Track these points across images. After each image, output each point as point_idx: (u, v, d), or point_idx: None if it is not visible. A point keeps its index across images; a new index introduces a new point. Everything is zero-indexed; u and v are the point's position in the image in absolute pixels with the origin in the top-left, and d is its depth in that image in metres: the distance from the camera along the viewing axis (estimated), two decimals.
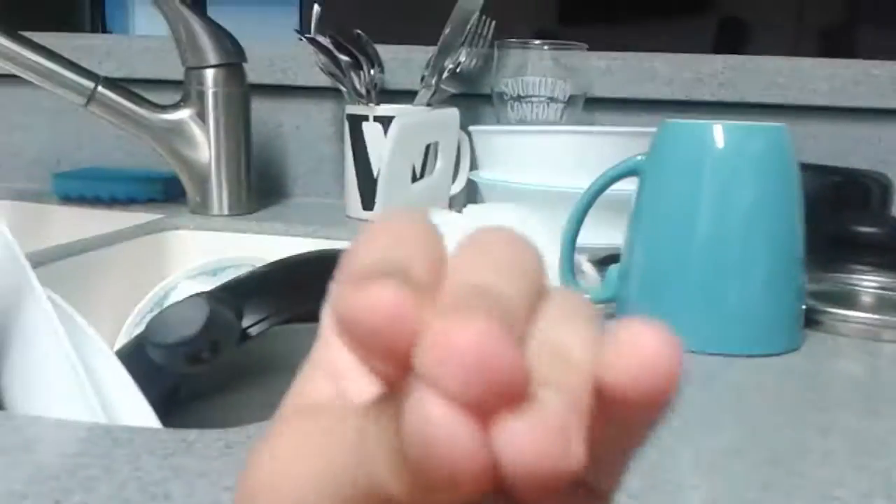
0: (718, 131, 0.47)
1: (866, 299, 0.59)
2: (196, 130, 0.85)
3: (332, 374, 0.18)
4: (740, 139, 0.47)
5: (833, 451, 0.33)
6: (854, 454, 0.33)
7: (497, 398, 0.13)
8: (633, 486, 0.29)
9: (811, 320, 0.52)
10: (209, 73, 0.86)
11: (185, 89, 0.86)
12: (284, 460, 0.17)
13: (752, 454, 0.33)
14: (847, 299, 0.57)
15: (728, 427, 0.35)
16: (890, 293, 0.59)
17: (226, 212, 0.87)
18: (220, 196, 0.86)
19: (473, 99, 0.97)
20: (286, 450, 0.17)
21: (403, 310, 0.13)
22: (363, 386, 0.17)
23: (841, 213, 0.66)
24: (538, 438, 0.13)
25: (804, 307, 0.50)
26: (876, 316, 0.53)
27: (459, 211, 0.59)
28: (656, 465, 0.31)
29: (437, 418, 0.13)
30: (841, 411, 0.38)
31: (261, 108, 1.02)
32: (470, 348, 0.13)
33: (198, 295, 0.45)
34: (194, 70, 0.86)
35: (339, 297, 0.14)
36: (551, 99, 0.87)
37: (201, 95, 0.85)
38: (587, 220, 0.53)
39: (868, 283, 0.60)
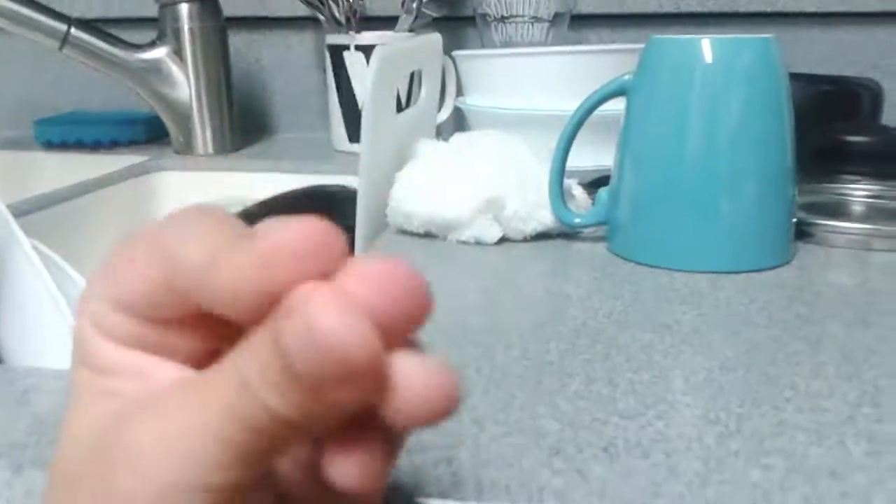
0: (706, 45, 0.46)
1: (857, 209, 0.59)
2: (174, 68, 0.83)
3: (112, 374, 0.20)
4: (728, 52, 0.46)
5: (823, 363, 0.34)
6: (843, 365, 0.33)
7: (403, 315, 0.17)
8: (626, 407, 0.30)
9: (802, 232, 0.52)
10: (184, 9, 0.83)
11: (160, 27, 0.84)
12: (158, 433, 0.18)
13: (742, 370, 0.33)
14: (838, 210, 0.57)
15: (719, 344, 0.36)
16: (881, 202, 0.59)
17: (210, 151, 0.86)
18: (203, 135, 0.85)
19: (456, 22, 0.95)
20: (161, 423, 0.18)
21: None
22: (140, 381, 0.19)
23: (831, 123, 0.65)
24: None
25: (794, 220, 0.49)
26: (867, 226, 0.53)
27: (447, 140, 0.58)
28: (648, 385, 0.32)
29: (334, 320, 0.16)
30: (831, 323, 0.38)
31: (239, 42, 0.99)
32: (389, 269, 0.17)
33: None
34: (168, 6, 0.84)
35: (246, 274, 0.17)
36: (535, 18, 0.85)
37: (177, 32, 0.83)
38: (576, 142, 0.53)
39: (859, 192, 0.60)
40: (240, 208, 0.63)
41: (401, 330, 0.17)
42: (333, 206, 0.64)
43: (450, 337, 0.37)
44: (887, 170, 0.59)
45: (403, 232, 0.55)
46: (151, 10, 0.87)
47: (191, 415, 0.17)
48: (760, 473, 0.25)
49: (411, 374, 0.17)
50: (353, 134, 0.86)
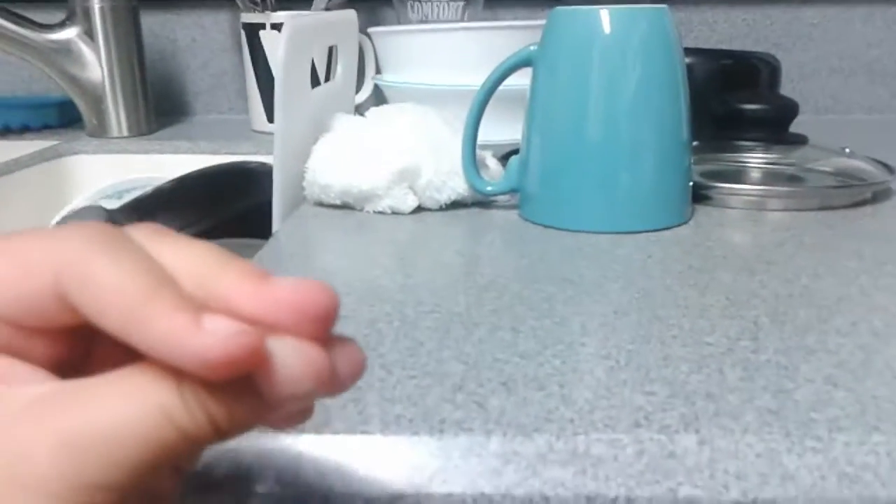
0: (604, 16, 0.48)
1: (754, 174, 0.62)
2: (85, 49, 0.82)
3: None
4: (625, 23, 0.48)
5: (709, 306, 0.36)
6: (727, 307, 0.36)
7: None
8: (527, 348, 0.32)
9: (702, 196, 0.55)
10: None
11: (70, 6, 0.83)
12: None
13: (635, 314, 0.35)
14: (736, 175, 0.60)
15: (615, 294, 0.38)
16: (774, 166, 0.62)
17: (125, 133, 0.84)
18: (117, 117, 0.84)
19: (373, 2, 0.96)
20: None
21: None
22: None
23: (731, 94, 0.69)
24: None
25: (692, 184, 0.52)
26: (759, 187, 0.56)
27: (362, 114, 0.59)
28: (549, 330, 0.34)
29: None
30: (719, 272, 0.41)
31: (152, 21, 0.98)
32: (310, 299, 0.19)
33: (95, 205, 0.45)
34: None
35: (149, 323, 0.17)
36: None
37: (87, 12, 0.82)
38: (492, 116, 0.54)
39: (756, 158, 0.64)
40: (155, 186, 0.63)
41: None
42: (252, 181, 0.65)
43: (362, 298, 0.38)
44: (780, 135, 0.63)
45: (321, 204, 0.56)
46: None
47: (109, 414, 0.17)
48: (644, 398, 0.28)
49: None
50: (272, 114, 0.86)
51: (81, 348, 0.20)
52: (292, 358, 0.18)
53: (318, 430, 0.26)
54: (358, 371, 0.20)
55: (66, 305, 0.18)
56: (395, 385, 0.29)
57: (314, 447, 0.25)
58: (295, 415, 0.21)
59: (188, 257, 0.19)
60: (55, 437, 0.17)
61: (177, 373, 0.17)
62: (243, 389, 0.18)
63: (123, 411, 0.17)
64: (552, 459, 0.25)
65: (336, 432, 0.26)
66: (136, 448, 0.17)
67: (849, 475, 0.24)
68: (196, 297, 0.18)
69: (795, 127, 0.69)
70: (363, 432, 0.26)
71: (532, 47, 0.52)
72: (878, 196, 0.57)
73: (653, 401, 0.27)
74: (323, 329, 0.19)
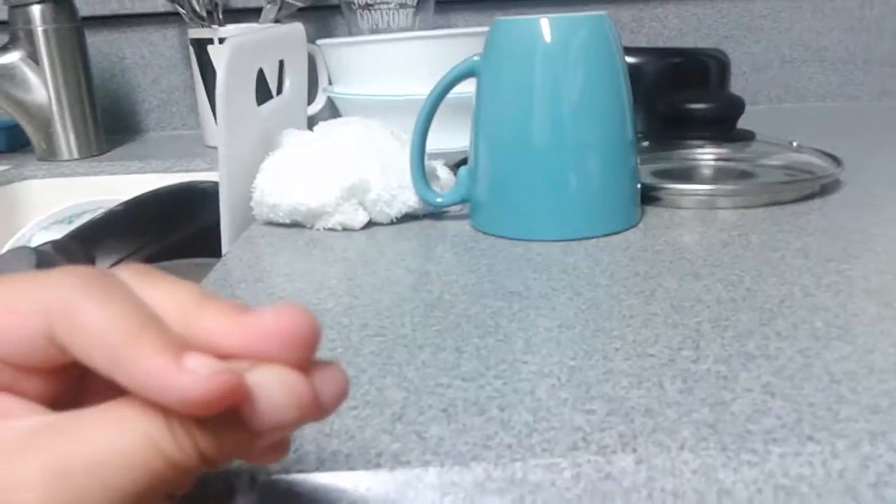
0: (545, 25, 0.48)
1: (705, 172, 0.62)
2: (29, 73, 0.81)
3: None
4: (565, 31, 0.48)
5: (653, 314, 0.36)
6: (671, 314, 0.36)
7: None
8: (469, 369, 0.31)
9: (652, 197, 0.55)
10: (36, 10, 0.81)
11: (12, 30, 0.81)
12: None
13: (580, 328, 0.35)
14: (686, 174, 0.60)
15: (561, 306, 0.38)
16: (724, 164, 0.63)
17: (75, 155, 0.83)
18: (66, 139, 0.83)
19: (323, 11, 0.95)
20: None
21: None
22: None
23: (679, 93, 0.69)
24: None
25: (640, 186, 0.52)
26: (710, 186, 0.57)
27: (310, 129, 0.59)
28: (492, 348, 0.34)
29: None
30: (665, 278, 0.41)
31: (99, 41, 0.96)
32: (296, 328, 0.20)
33: (23, 247, 0.44)
34: (18, 8, 0.81)
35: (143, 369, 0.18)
36: (401, 4, 0.86)
37: (30, 35, 0.80)
38: (444, 124, 0.54)
39: (705, 157, 0.64)
40: (105, 210, 0.62)
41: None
42: (203, 202, 0.64)
43: None
44: (727, 132, 0.63)
45: (270, 223, 0.55)
46: (1, 13, 0.83)
47: (100, 443, 0.18)
48: (583, 417, 0.27)
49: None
50: None
51: (75, 384, 0.21)
52: (275, 388, 0.19)
53: (254, 472, 0.25)
54: (341, 394, 0.20)
55: (57, 346, 0.19)
56: (334, 419, 0.28)
57: (251, 489, 0.25)
58: (275, 448, 0.22)
59: (172, 296, 0.20)
60: (48, 466, 0.18)
61: (162, 406, 0.18)
62: (229, 420, 0.19)
63: (113, 441, 0.18)
64: (490, 488, 0.25)
65: (270, 473, 0.25)
66: (126, 477, 0.18)
67: (784, 487, 0.25)
68: (181, 336, 0.19)
69: (747, 118, 0.69)
70: (299, 471, 0.25)
71: (475, 58, 0.52)
72: (827, 189, 0.57)
73: (592, 420, 0.27)
74: (306, 354, 0.20)
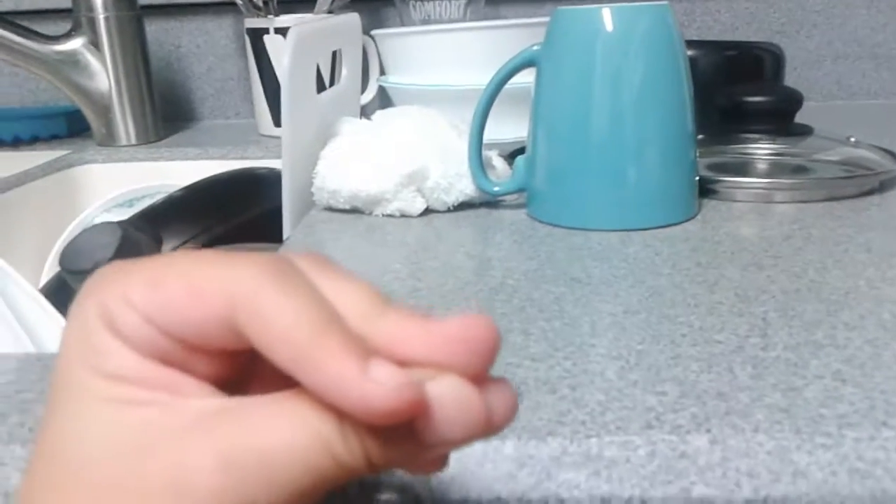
0: (607, 15, 0.49)
1: (760, 166, 0.62)
2: (91, 59, 0.83)
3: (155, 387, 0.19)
4: (627, 20, 0.49)
5: (718, 303, 0.37)
6: (736, 303, 0.36)
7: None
8: (538, 351, 0.32)
9: (708, 190, 0.55)
10: None
11: (75, 17, 0.83)
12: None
13: (644, 313, 0.36)
14: (742, 167, 0.60)
15: (625, 293, 0.38)
16: (781, 158, 0.62)
17: (133, 141, 0.85)
18: (125, 125, 0.85)
19: (375, 2, 0.96)
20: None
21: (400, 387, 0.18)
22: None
23: (735, 86, 0.69)
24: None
25: (698, 178, 0.53)
26: (765, 179, 0.56)
27: (369, 118, 0.60)
28: (558, 331, 0.34)
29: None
30: (728, 268, 0.41)
31: (157, 29, 0.98)
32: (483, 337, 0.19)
33: (109, 222, 0.46)
34: None
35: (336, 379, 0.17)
36: None
37: (92, 22, 0.82)
38: (498, 115, 0.55)
39: (761, 150, 0.64)
40: (165, 195, 0.63)
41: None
42: (262, 188, 0.65)
43: None
44: (785, 126, 0.63)
45: (330, 209, 0.56)
46: (65, 1, 0.85)
47: (273, 436, 0.18)
48: (655, 398, 0.28)
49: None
50: (278, 119, 0.87)
51: (244, 367, 0.21)
52: (451, 402, 0.18)
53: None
54: (511, 414, 0.19)
55: (235, 333, 0.18)
56: None
57: None
58: (435, 460, 0.21)
59: (350, 293, 0.19)
60: (221, 452, 0.18)
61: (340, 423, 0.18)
62: (402, 431, 0.18)
63: (286, 436, 0.18)
64: (566, 462, 0.25)
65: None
66: (295, 472, 0.18)
67: (859, 471, 0.25)
68: (362, 338, 0.18)
69: (800, 115, 0.69)
70: None
71: (535, 47, 0.52)
72: (885, 185, 0.57)
73: (664, 401, 0.28)
74: (487, 366, 0.19)
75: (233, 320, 0.18)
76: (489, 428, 0.19)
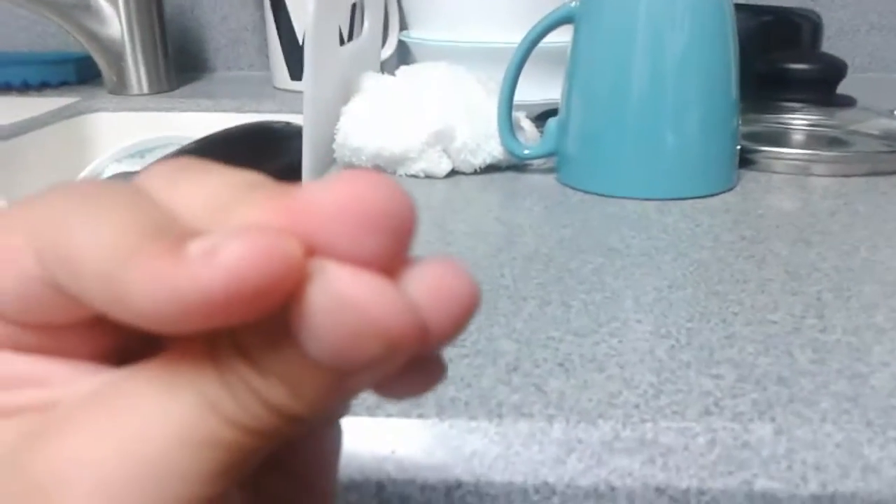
0: None
1: (798, 136, 0.60)
2: (104, 5, 0.80)
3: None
4: None
5: (768, 280, 0.35)
6: (788, 281, 0.34)
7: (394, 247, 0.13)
8: (580, 325, 0.30)
9: (745, 160, 0.53)
10: None
11: None
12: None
13: (691, 288, 0.34)
14: (779, 137, 0.58)
15: (667, 266, 0.36)
16: (820, 129, 0.60)
17: (145, 90, 0.83)
18: (137, 73, 0.82)
19: None
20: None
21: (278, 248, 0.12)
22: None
23: (772, 53, 0.66)
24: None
25: (738, 147, 0.50)
26: (806, 151, 0.54)
27: (392, 74, 0.57)
28: (600, 305, 0.32)
29: (352, 282, 0.12)
30: (774, 243, 0.39)
31: None
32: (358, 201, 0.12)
33: (122, 174, 0.43)
34: None
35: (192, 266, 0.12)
36: None
37: None
38: (525, 75, 0.52)
39: (799, 120, 0.61)
40: (178, 146, 0.61)
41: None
42: (279, 142, 0.63)
43: None
44: (826, 97, 0.60)
45: (352, 166, 0.54)
46: None
47: (152, 419, 0.13)
48: (711, 382, 0.26)
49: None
50: (295, 72, 0.84)
51: (123, 335, 0.15)
52: (335, 298, 0.12)
53: (372, 413, 0.24)
54: (458, 308, 0.13)
55: (61, 292, 0.13)
56: (448, 365, 0.27)
57: (368, 431, 0.24)
58: (416, 376, 0.15)
59: (207, 189, 0.14)
60: (93, 470, 0.13)
61: (212, 354, 0.13)
62: (298, 359, 0.13)
63: (156, 416, 0.13)
64: (618, 448, 0.24)
65: (389, 415, 0.24)
66: (184, 458, 0.13)
67: None
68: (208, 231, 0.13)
69: (840, 86, 0.66)
70: (419, 416, 0.24)
71: (573, 3, 0.50)
72: None
73: (721, 385, 0.26)
74: (393, 246, 0.13)
75: (47, 274, 0.13)
76: (419, 331, 0.13)
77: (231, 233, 0.12)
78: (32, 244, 0.13)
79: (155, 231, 0.12)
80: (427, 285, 0.13)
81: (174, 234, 0.12)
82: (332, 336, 0.12)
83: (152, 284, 0.12)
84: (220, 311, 0.12)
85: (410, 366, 0.14)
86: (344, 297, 0.12)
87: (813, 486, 0.23)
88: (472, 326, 0.30)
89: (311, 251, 0.12)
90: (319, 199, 0.12)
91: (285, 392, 0.13)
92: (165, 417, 0.13)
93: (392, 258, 0.13)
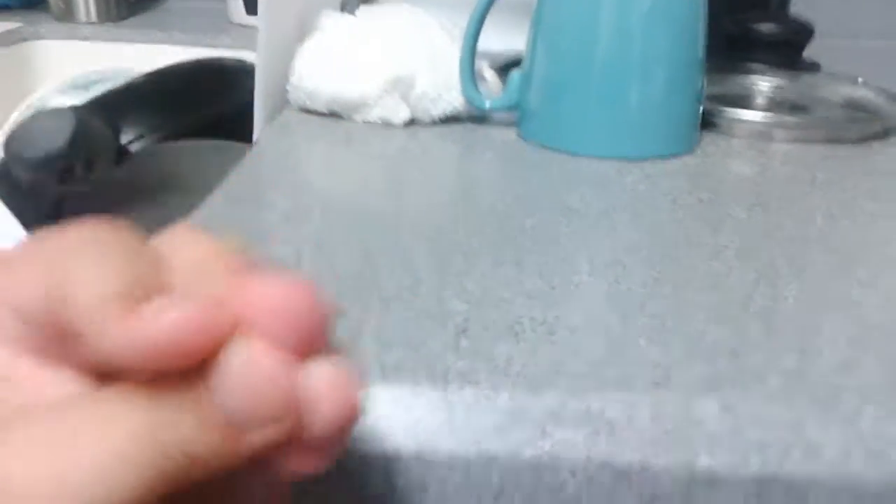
0: None
1: (760, 100, 0.59)
2: None
3: None
4: None
5: (724, 247, 0.34)
6: (742, 247, 0.34)
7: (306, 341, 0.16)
8: (532, 287, 0.30)
9: (707, 122, 0.52)
10: None
11: None
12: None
13: (646, 251, 0.33)
14: (742, 100, 0.57)
15: (624, 227, 0.36)
16: (783, 92, 0.60)
17: (94, 19, 0.79)
18: (86, 0, 0.78)
19: None
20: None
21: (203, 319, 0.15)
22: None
23: (739, 13, 0.65)
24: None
25: (702, 109, 0.49)
26: (768, 114, 0.53)
27: (352, 13, 0.55)
28: (554, 267, 0.31)
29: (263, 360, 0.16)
30: (732, 208, 0.39)
31: None
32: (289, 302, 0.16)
33: (63, 107, 0.41)
34: None
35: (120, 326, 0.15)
36: None
37: None
38: (489, 23, 0.50)
39: (763, 83, 0.61)
40: (125, 80, 0.58)
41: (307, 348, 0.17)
42: (231, 80, 0.60)
43: (355, 223, 0.35)
44: (792, 60, 0.60)
45: (306, 111, 0.52)
46: None
47: (89, 454, 0.14)
48: (661, 353, 0.26)
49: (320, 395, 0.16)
50: (252, 5, 0.81)
51: None
52: (239, 361, 0.15)
53: None
54: (347, 412, 0.16)
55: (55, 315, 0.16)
56: (394, 326, 0.27)
57: None
58: (305, 457, 0.17)
59: (204, 258, 0.17)
60: (27, 466, 0.14)
61: (155, 391, 0.15)
62: (210, 405, 0.15)
63: (106, 445, 0.14)
64: (564, 419, 0.23)
65: None
66: (129, 473, 0.14)
67: (874, 452, 0.23)
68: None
69: (806, 51, 0.65)
70: None
71: None
72: (891, 132, 0.54)
73: (670, 356, 0.25)
74: (307, 343, 0.16)
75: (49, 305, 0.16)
76: (294, 417, 0.16)
77: (180, 300, 0.15)
78: (45, 281, 0.16)
79: (134, 286, 0.15)
80: (322, 382, 0.16)
81: (149, 289, 0.15)
82: (238, 390, 0.15)
83: (116, 331, 0.15)
84: (161, 356, 0.15)
85: (304, 444, 0.16)
86: (252, 363, 0.16)
87: (755, 467, 0.23)
88: (423, 286, 0.29)
89: (249, 327, 0.16)
90: (266, 293, 0.16)
91: (194, 434, 0.15)
92: (110, 451, 0.14)
93: (305, 348, 0.16)
